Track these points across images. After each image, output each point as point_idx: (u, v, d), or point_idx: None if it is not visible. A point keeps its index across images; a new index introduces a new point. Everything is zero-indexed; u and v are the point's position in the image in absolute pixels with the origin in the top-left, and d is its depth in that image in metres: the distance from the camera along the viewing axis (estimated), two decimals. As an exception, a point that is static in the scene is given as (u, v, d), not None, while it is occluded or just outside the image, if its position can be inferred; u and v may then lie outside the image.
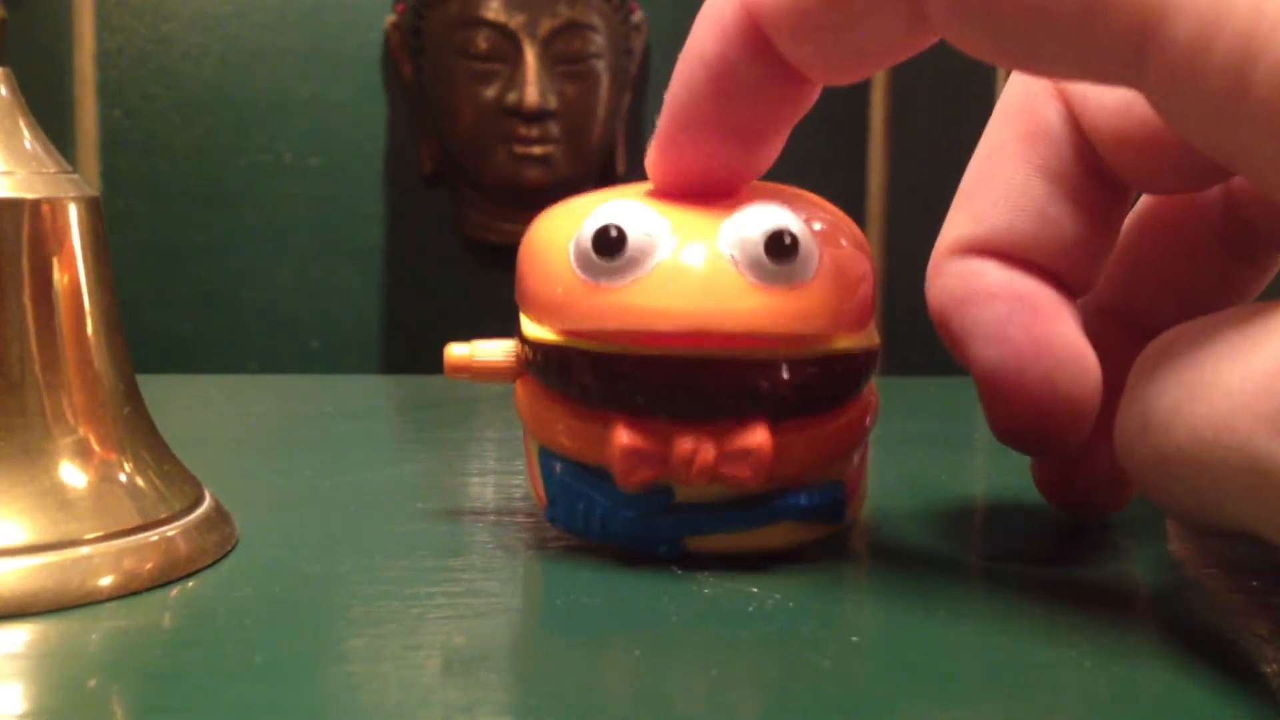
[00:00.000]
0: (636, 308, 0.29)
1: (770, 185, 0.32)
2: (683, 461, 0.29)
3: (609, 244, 0.29)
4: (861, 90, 1.16)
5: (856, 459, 0.31)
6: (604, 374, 0.29)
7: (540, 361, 0.31)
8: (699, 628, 0.26)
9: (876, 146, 1.16)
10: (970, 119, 1.14)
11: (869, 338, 0.31)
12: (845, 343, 0.30)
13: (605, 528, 0.30)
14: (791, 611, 0.27)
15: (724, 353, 0.29)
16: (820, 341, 0.29)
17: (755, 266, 0.29)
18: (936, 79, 1.17)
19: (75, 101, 1.08)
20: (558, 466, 0.31)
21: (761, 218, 0.29)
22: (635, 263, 0.29)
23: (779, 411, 0.29)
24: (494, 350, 0.32)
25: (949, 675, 0.24)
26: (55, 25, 1.08)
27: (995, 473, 0.44)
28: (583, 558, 0.31)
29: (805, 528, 0.30)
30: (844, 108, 1.17)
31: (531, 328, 0.31)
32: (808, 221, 0.30)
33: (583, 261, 0.29)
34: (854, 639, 0.27)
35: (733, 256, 0.29)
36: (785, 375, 0.29)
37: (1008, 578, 0.30)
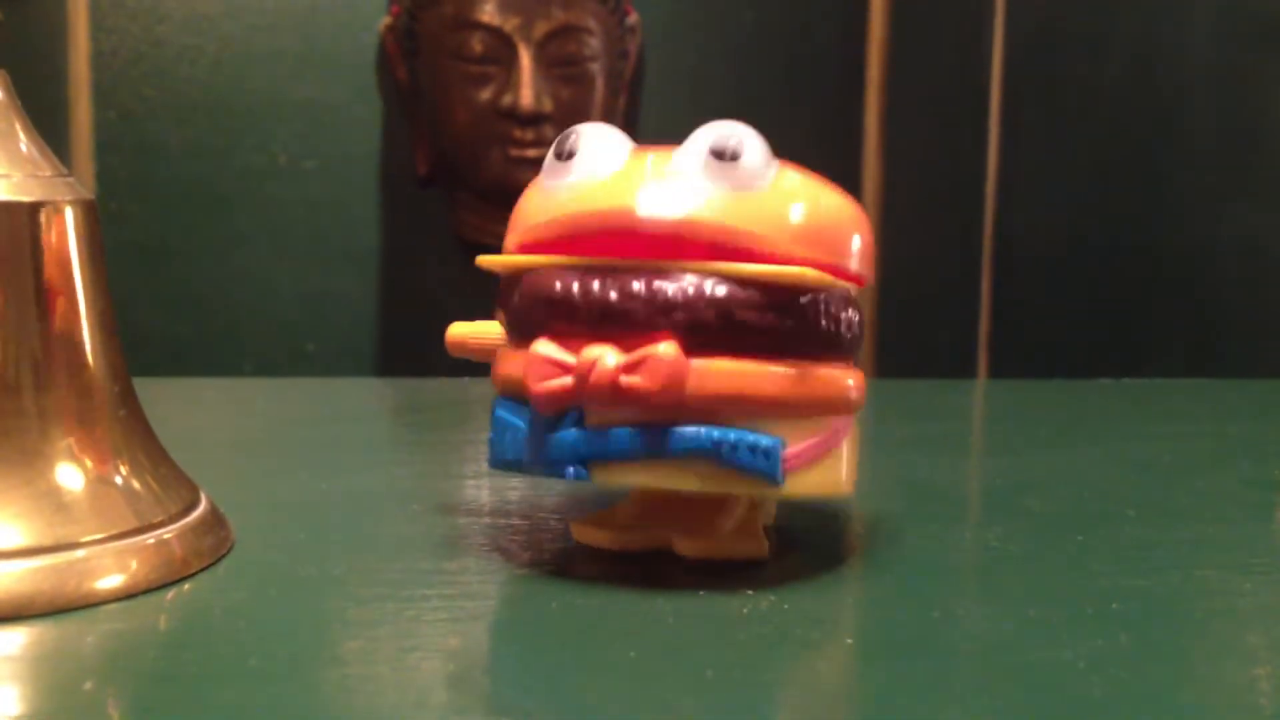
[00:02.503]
0: (572, 201, 0.29)
1: None
2: (589, 367, 0.27)
3: (563, 145, 0.29)
4: (856, 96, 1.16)
5: (811, 431, 0.29)
6: (529, 292, 0.29)
7: (497, 298, 0.30)
8: (694, 629, 0.26)
9: (871, 152, 1.16)
10: (964, 123, 1.15)
11: (831, 280, 0.28)
12: (794, 272, 0.28)
13: (522, 452, 0.29)
14: (786, 613, 0.27)
15: (644, 263, 0.28)
16: (755, 258, 0.27)
17: (699, 168, 0.28)
18: (931, 83, 1.17)
19: (70, 103, 1.08)
20: (497, 407, 0.30)
21: (711, 131, 0.28)
22: (587, 168, 0.29)
23: (699, 334, 0.27)
24: (492, 326, 0.32)
25: (944, 677, 0.24)
26: (50, 27, 1.08)
27: (990, 475, 0.44)
28: (578, 560, 0.31)
29: (726, 477, 0.28)
30: (838, 114, 1.17)
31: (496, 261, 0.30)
32: (778, 156, 0.29)
33: (547, 168, 0.30)
34: (849, 640, 0.27)
35: (681, 162, 0.28)
36: (704, 295, 0.27)
37: (1002, 580, 0.30)
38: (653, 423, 0.28)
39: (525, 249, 0.30)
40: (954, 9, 1.18)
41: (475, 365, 0.32)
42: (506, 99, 1.04)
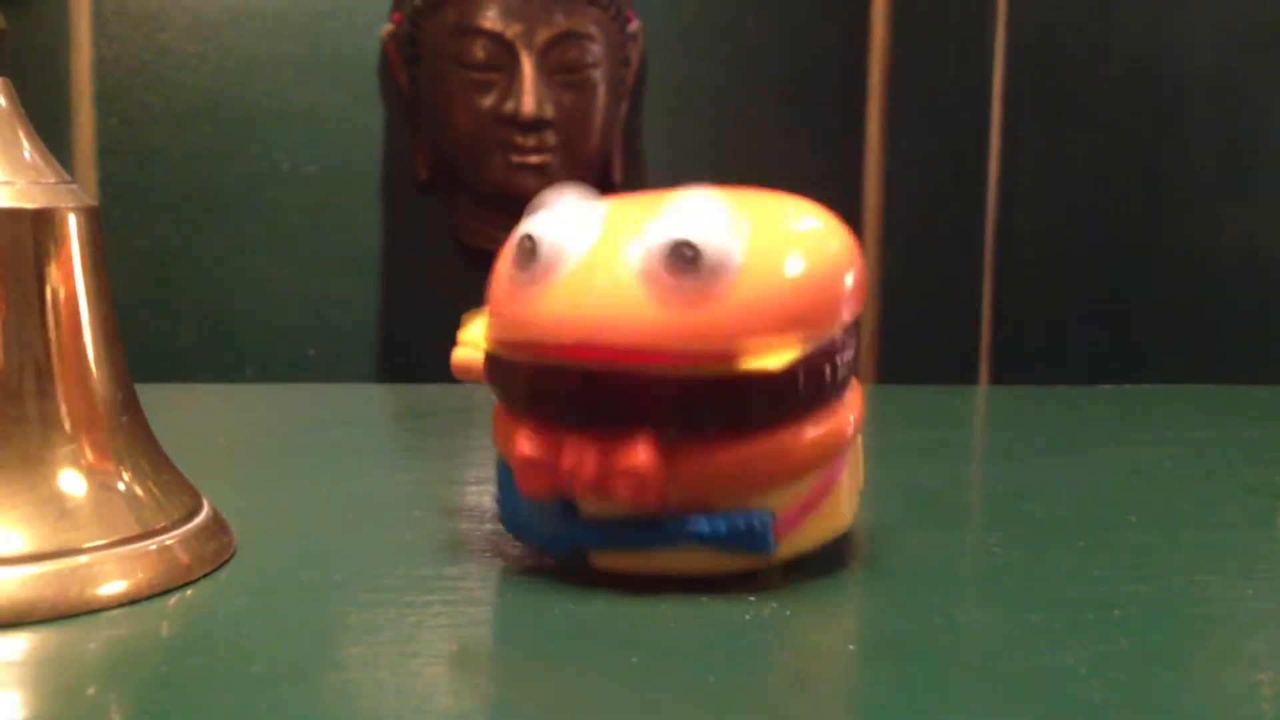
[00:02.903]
0: (537, 316, 0.29)
1: (741, 189, 0.30)
2: (568, 474, 0.28)
3: (524, 252, 0.29)
4: (857, 102, 1.16)
5: (805, 488, 0.29)
6: (510, 381, 0.30)
7: (485, 366, 0.31)
8: (696, 635, 0.26)
9: (872, 158, 1.16)
10: (965, 129, 1.15)
11: (798, 351, 0.28)
12: (759, 361, 0.27)
13: (524, 529, 0.30)
14: (788, 620, 0.27)
15: (614, 366, 0.28)
16: (721, 361, 0.27)
17: (655, 279, 0.27)
18: (932, 90, 1.17)
19: (72, 110, 1.08)
20: (500, 469, 0.31)
21: (671, 226, 0.27)
22: (549, 271, 0.29)
23: (673, 430, 0.28)
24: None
25: (946, 683, 0.24)
26: (52, 34, 1.08)
27: (991, 481, 0.44)
28: (580, 568, 0.31)
29: (719, 555, 0.29)
30: (839, 121, 1.17)
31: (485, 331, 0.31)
32: (739, 231, 0.28)
33: (511, 267, 0.29)
34: (850, 646, 0.27)
35: (638, 268, 0.28)
36: (675, 393, 0.27)
37: (1003, 587, 0.30)
38: (643, 517, 0.28)
39: (497, 344, 0.30)
40: (955, 15, 1.18)
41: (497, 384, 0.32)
42: (508, 105, 1.04)
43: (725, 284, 0.27)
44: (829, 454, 0.29)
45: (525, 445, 0.29)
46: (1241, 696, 0.24)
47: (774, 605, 0.28)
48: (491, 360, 0.30)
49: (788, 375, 0.28)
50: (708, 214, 0.28)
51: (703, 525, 0.28)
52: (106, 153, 1.10)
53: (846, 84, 1.17)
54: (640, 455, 0.27)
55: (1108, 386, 0.65)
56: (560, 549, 0.30)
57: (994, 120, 1.18)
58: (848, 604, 0.30)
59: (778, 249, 0.28)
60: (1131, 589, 0.30)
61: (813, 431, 0.29)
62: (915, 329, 1.17)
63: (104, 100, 1.10)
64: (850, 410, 0.30)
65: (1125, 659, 0.25)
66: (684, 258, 0.27)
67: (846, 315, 0.29)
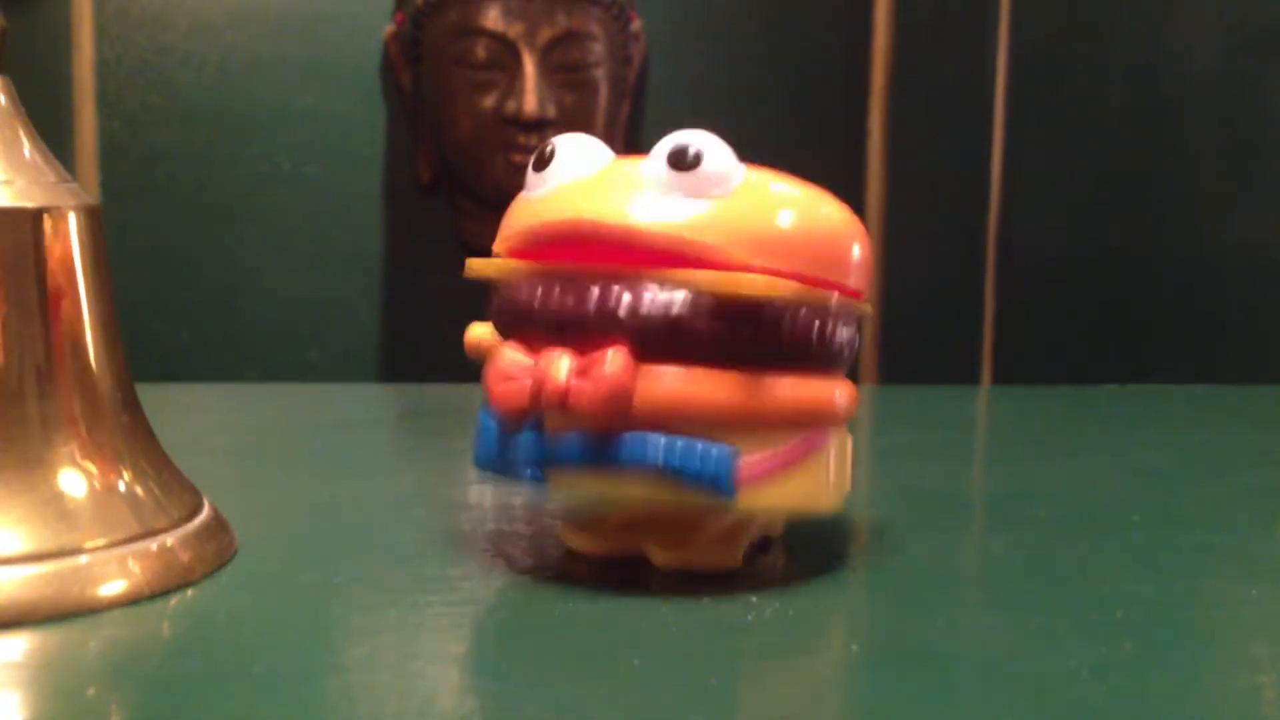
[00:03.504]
0: (538, 208, 0.29)
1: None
2: (540, 382, 0.28)
3: (540, 158, 0.29)
4: (860, 104, 1.16)
5: (776, 443, 0.28)
6: (503, 300, 0.29)
7: (489, 301, 0.31)
8: (698, 636, 0.26)
9: (875, 160, 1.16)
10: (968, 132, 1.14)
11: (795, 288, 0.28)
12: (745, 282, 0.27)
13: (489, 453, 0.30)
14: (790, 620, 0.27)
15: (598, 269, 0.28)
16: (707, 265, 0.27)
17: (658, 176, 0.28)
18: (935, 93, 1.17)
19: (74, 111, 1.08)
20: (482, 409, 0.30)
21: (678, 136, 0.28)
22: (558, 178, 0.29)
23: (649, 342, 0.27)
24: None
25: (949, 685, 0.24)
26: (54, 35, 1.08)
27: (994, 482, 0.44)
28: (581, 567, 0.31)
29: (674, 486, 0.28)
30: (842, 123, 1.17)
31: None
32: (750, 164, 0.28)
33: (528, 178, 0.30)
34: (854, 648, 0.27)
35: (644, 170, 0.28)
36: (654, 296, 0.27)
37: (1006, 588, 0.30)
38: (604, 430, 0.27)
39: (503, 257, 0.30)
40: (957, 19, 1.18)
41: (478, 371, 0.32)
42: (510, 105, 1.04)
43: (720, 194, 0.28)
44: (805, 417, 0.29)
45: (504, 357, 0.29)
46: (1244, 699, 0.24)
47: (776, 606, 0.28)
48: (491, 286, 0.30)
49: (768, 314, 0.28)
50: (713, 138, 0.28)
51: (661, 440, 0.27)
52: (109, 153, 1.10)
53: (849, 86, 1.17)
54: (611, 352, 0.27)
55: (1111, 387, 0.65)
56: (518, 469, 0.29)
57: (996, 123, 1.18)
58: (850, 605, 0.30)
59: (780, 186, 0.29)
60: (1134, 591, 0.30)
61: (790, 386, 0.28)
62: (918, 330, 1.17)
63: (106, 101, 1.10)
64: (840, 390, 0.29)
65: (1128, 662, 0.25)
66: (686, 156, 0.28)
67: (838, 277, 0.29)
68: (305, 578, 0.30)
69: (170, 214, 1.11)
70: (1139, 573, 0.31)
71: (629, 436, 0.27)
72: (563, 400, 0.27)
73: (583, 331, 0.28)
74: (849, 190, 1.18)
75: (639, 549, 0.31)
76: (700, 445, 0.27)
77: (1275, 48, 1.16)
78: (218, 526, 0.31)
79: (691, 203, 0.28)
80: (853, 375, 0.31)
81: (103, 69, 1.09)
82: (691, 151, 0.28)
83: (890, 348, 1.16)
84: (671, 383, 0.27)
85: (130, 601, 0.27)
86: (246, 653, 0.25)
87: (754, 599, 0.28)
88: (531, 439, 0.28)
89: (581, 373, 0.27)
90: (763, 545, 0.32)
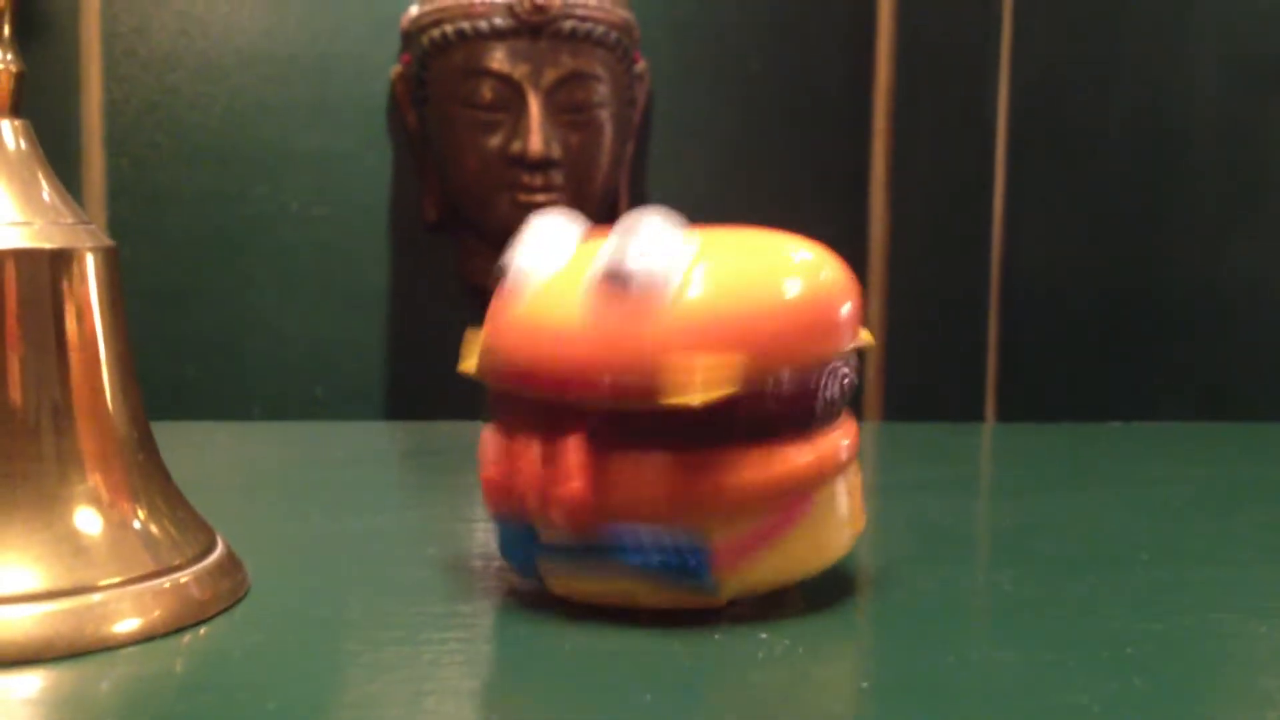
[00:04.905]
0: (495, 341, 0.30)
1: (734, 227, 0.31)
2: (519, 492, 0.29)
3: (495, 279, 0.31)
4: (862, 141, 1.17)
5: (749, 524, 0.29)
6: (489, 401, 0.31)
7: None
8: (711, 673, 0.26)
9: (878, 197, 1.17)
10: (970, 168, 1.15)
11: (733, 384, 0.27)
12: (683, 395, 0.27)
13: (503, 553, 0.31)
14: (801, 656, 0.27)
15: (554, 392, 0.28)
16: (646, 393, 0.27)
17: (594, 304, 0.28)
18: (937, 128, 1.18)
19: (82, 151, 1.09)
20: None
21: (610, 249, 0.28)
22: (514, 296, 0.30)
23: (609, 452, 0.28)
24: None
25: (959, 720, 0.24)
26: (63, 75, 1.09)
27: (1001, 518, 0.45)
28: (593, 605, 0.31)
29: (661, 588, 0.29)
30: (844, 160, 1.17)
31: None
32: (680, 256, 0.28)
33: (500, 284, 0.31)
34: (864, 684, 0.27)
35: (583, 293, 0.28)
36: (607, 416, 0.28)
37: (1015, 624, 0.30)
38: (587, 542, 0.29)
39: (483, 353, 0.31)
40: (959, 54, 1.19)
41: (482, 409, 0.32)
42: (515, 145, 1.05)
43: (655, 311, 0.28)
44: (774, 492, 0.29)
45: (488, 463, 0.30)
46: (1256, 734, 0.24)
47: (786, 643, 0.28)
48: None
49: (720, 405, 0.27)
50: (647, 238, 0.28)
51: (634, 551, 0.28)
52: (116, 193, 1.11)
53: (851, 123, 1.18)
54: (571, 479, 0.28)
55: (1116, 424, 0.65)
56: (523, 572, 0.31)
57: (998, 157, 1.19)
58: (860, 641, 0.30)
59: (720, 281, 0.28)
60: (1144, 627, 0.30)
61: (753, 465, 0.28)
62: (921, 366, 1.17)
63: (114, 141, 1.10)
64: (813, 454, 0.29)
65: (1139, 697, 0.25)
66: (614, 283, 0.28)
67: (806, 352, 0.29)
68: (318, 614, 0.30)
69: (177, 253, 1.12)
70: (1148, 608, 0.31)
71: (599, 533, 0.28)
72: (538, 509, 0.29)
73: (545, 428, 0.29)
74: (852, 227, 1.19)
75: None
76: (670, 540, 0.28)
77: (1277, 82, 1.17)
78: (231, 564, 0.31)
79: (630, 315, 0.28)
80: (856, 412, 0.32)
81: (111, 109, 1.10)
82: (620, 270, 0.28)
83: (893, 383, 1.17)
84: (631, 474, 0.28)
85: (144, 639, 0.28)
86: (260, 690, 0.25)
87: (764, 635, 0.28)
88: (527, 548, 0.30)
89: (545, 467, 0.28)
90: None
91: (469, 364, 0.32)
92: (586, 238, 0.31)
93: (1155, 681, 0.26)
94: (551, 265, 0.30)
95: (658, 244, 0.28)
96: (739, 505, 0.28)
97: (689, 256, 0.28)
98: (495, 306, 0.30)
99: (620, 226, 0.29)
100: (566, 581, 0.30)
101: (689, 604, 0.29)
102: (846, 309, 0.30)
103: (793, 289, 0.29)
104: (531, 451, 0.29)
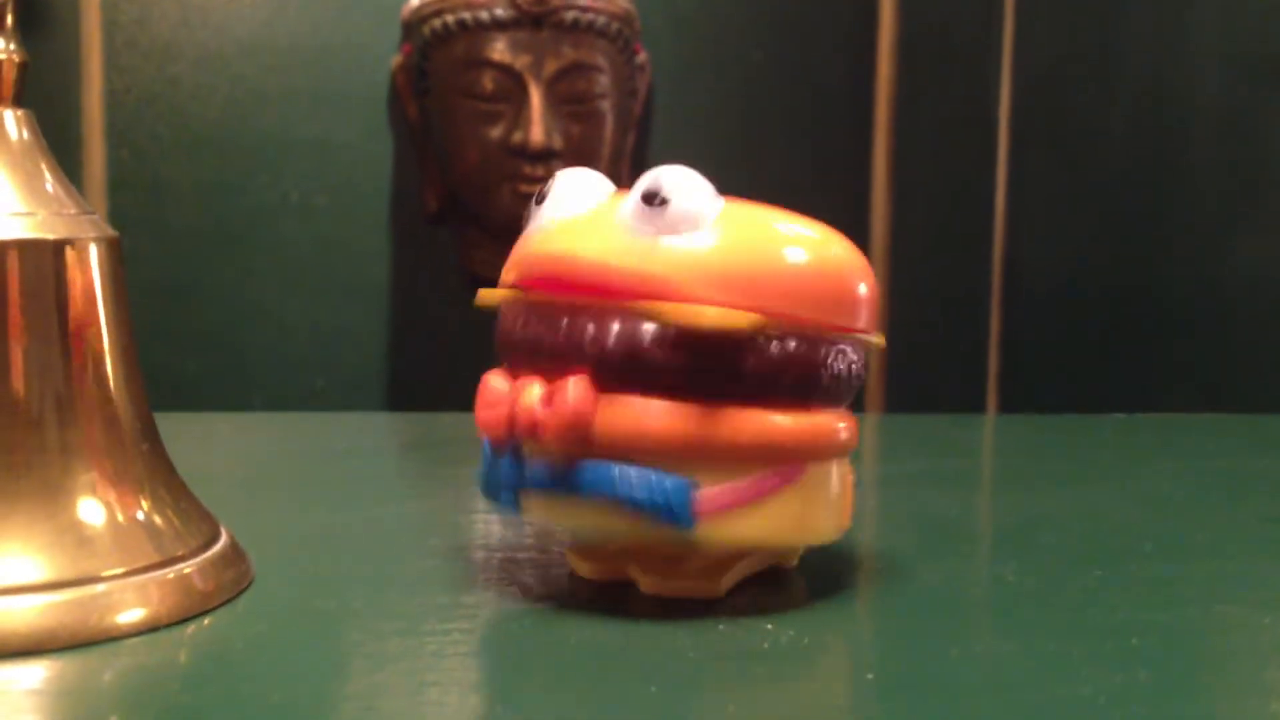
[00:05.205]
0: (525, 248, 0.30)
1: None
2: (515, 411, 0.29)
3: (539, 197, 0.31)
4: (864, 135, 1.16)
5: (738, 476, 0.28)
6: (499, 327, 0.31)
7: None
8: (715, 664, 0.26)
9: (879, 190, 1.17)
10: (972, 162, 1.15)
11: (754, 321, 0.28)
12: (699, 316, 0.28)
13: (481, 478, 0.31)
14: (807, 648, 0.27)
15: (572, 301, 0.29)
16: (666, 304, 0.28)
17: (629, 224, 0.29)
18: (939, 121, 1.18)
19: (83, 142, 1.09)
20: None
21: (650, 178, 0.29)
22: (551, 214, 0.30)
23: (610, 371, 0.28)
24: None
25: (965, 712, 0.24)
26: (64, 66, 1.09)
27: (1004, 510, 0.44)
28: (596, 594, 0.31)
29: (632, 517, 0.28)
30: (846, 153, 1.17)
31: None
32: (714, 199, 0.29)
33: (530, 212, 0.31)
34: (869, 676, 0.27)
35: (621, 210, 0.29)
36: (615, 327, 0.28)
37: (1019, 616, 0.30)
38: (569, 458, 0.28)
39: (503, 288, 0.31)
40: (961, 49, 1.19)
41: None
42: (516, 136, 1.05)
43: (690, 232, 0.28)
44: (764, 449, 0.29)
45: (487, 383, 0.30)
46: (1262, 726, 0.24)
47: (791, 634, 0.28)
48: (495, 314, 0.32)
49: (729, 346, 0.28)
50: (688, 176, 0.29)
51: (614, 469, 0.28)
52: (117, 184, 1.11)
53: (853, 117, 1.18)
54: (572, 390, 0.28)
55: (1119, 415, 0.65)
56: (497, 493, 0.30)
57: (1000, 150, 1.18)
58: (865, 633, 0.30)
59: (750, 225, 0.29)
60: (1149, 619, 0.30)
61: (748, 417, 0.28)
62: (923, 358, 1.17)
63: (115, 132, 1.10)
64: (810, 425, 0.29)
65: (1144, 689, 0.25)
66: (654, 203, 0.28)
67: (817, 314, 0.29)
68: (321, 605, 0.30)
69: (178, 244, 1.12)
70: (1152, 600, 0.31)
71: (589, 465, 0.28)
72: (532, 428, 0.28)
73: (553, 360, 0.29)
74: (854, 220, 1.19)
75: (624, 575, 0.31)
76: (655, 475, 0.28)
77: (1278, 78, 1.16)
78: (235, 555, 0.31)
79: (659, 240, 0.28)
80: (858, 404, 0.32)
81: (111, 100, 1.10)
82: (660, 192, 0.28)
83: (895, 376, 1.17)
84: (629, 412, 0.28)
85: (148, 629, 0.28)
86: (264, 681, 0.25)
87: (769, 626, 0.28)
88: (509, 465, 0.30)
89: (546, 400, 0.28)
90: (776, 577, 0.32)
91: (489, 293, 0.32)
92: (613, 194, 0.31)
93: (1160, 673, 0.26)
94: (590, 200, 0.30)
95: (695, 183, 0.29)
96: (730, 458, 0.28)
97: (720, 204, 0.29)
98: (530, 225, 0.31)
99: (655, 170, 0.29)
100: (544, 504, 0.29)
101: (662, 551, 0.29)
102: (861, 289, 0.30)
103: (812, 254, 0.30)
104: (534, 384, 0.29)
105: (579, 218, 0.30)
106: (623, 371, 0.28)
